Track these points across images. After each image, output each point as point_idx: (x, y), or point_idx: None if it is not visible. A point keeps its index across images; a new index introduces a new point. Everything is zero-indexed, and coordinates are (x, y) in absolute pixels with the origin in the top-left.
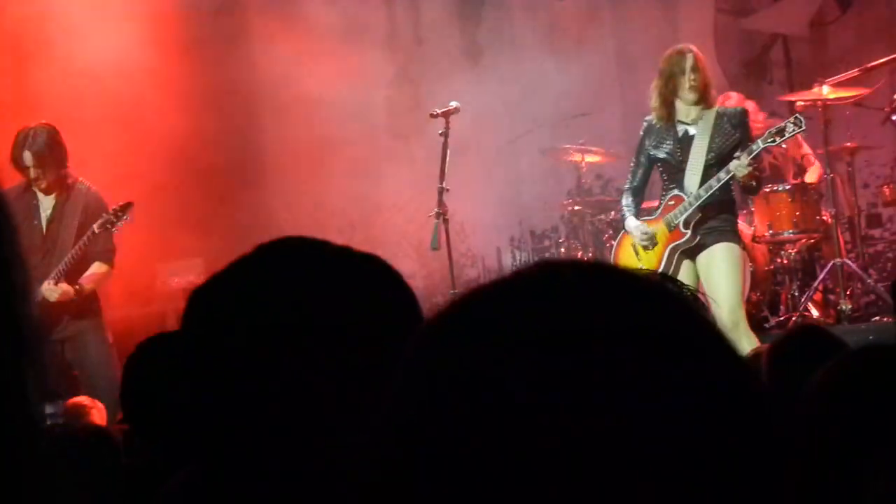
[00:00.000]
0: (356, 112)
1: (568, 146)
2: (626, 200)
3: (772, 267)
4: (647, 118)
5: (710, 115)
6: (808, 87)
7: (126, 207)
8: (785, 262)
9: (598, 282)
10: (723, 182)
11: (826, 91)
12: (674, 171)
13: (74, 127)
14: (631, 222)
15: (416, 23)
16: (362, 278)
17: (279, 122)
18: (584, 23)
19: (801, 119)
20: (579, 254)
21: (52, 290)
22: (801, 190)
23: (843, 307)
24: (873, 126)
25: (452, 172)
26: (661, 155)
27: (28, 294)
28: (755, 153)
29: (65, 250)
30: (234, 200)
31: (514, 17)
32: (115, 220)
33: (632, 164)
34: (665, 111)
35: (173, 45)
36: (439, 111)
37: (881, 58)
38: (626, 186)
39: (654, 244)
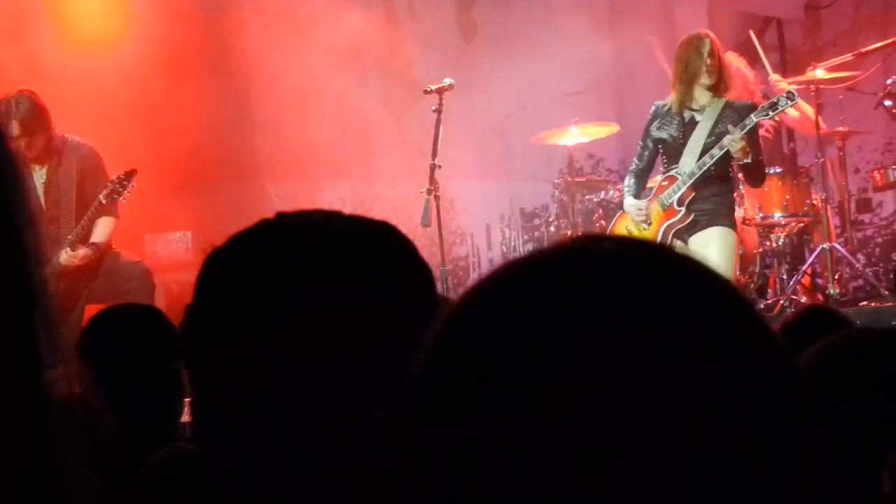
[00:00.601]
0: (348, 86)
1: (556, 129)
2: (629, 181)
3: (761, 250)
4: (658, 102)
5: (719, 105)
6: (802, 70)
7: (130, 175)
8: (774, 245)
9: (640, 260)
10: (716, 158)
11: (819, 75)
12: (673, 153)
13: (60, 100)
14: (628, 201)
15: None
16: (378, 245)
17: (270, 96)
18: (578, 2)
19: (794, 93)
20: (569, 233)
21: (72, 255)
22: (792, 173)
23: (832, 291)
24: (866, 111)
25: (444, 149)
26: (663, 135)
27: (40, 258)
28: (748, 127)
29: (69, 213)
30: (222, 173)
31: None
32: (120, 188)
33: (638, 147)
34: (683, 97)
35: (161, 11)
36: (433, 87)
37: (874, 42)
38: (631, 168)
39: (649, 223)
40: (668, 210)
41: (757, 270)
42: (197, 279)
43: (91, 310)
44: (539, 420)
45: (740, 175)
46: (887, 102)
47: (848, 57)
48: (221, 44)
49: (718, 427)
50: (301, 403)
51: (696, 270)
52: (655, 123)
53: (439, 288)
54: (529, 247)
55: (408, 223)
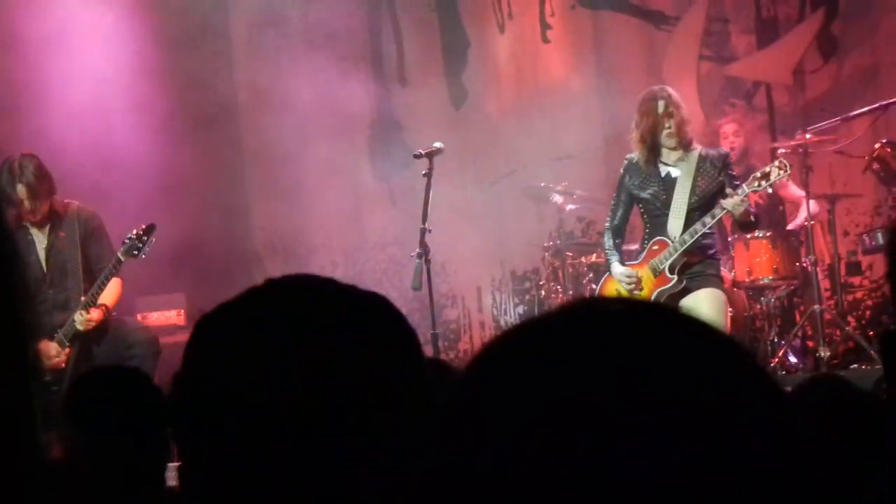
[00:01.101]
0: (339, 151)
1: (550, 185)
2: (609, 242)
3: (751, 313)
4: (629, 156)
5: (693, 157)
6: (790, 134)
7: (150, 230)
8: (764, 307)
9: (649, 322)
10: (708, 226)
11: (808, 138)
12: (656, 214)
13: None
14: (616, 268)
15: (400, 63)
16: (368, 317)
17: (260, 159)
18: (569, 67)
19: (787, 163)
20: (559, 297)
21: (88, 318)
22: (782, 236)
23: (822, 354)
24: (854, 174)
25: (435, 212)
26: (645, 195)
27: (35, 329)
28: (745, 193)
29: (77, 277)
30: (215, 237)
31: (499, 59)
32: (139, 244)
33: (612, 202)
34: (648, 152)
35: (154, 74)
36: (423, 151)
37: (862, 106)
38: (607, 225)
39: (640, 289)
40: (660, 276)
41: (747, 333)
42: (186, 346)
43: None
44: (556, 479)
45: (730, 239)
46: (875, 166)
47: (836, 121)
48: (213, 109)
49: (737, 485)
50: (289, 473)
51: (708, 331)
52: (630, 179)
53: (429, 351)
54: (520, 310)
55: (398, 286)
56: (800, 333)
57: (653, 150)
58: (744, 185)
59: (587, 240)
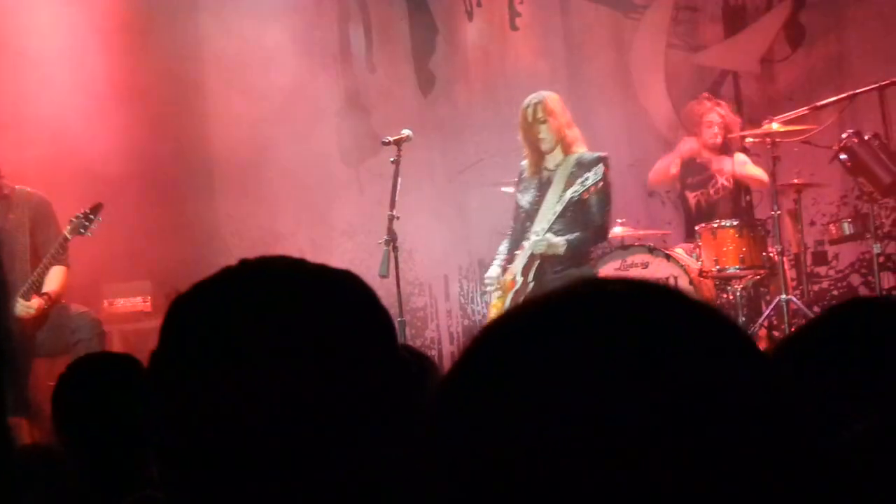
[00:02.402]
0: (306, 137)
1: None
2: (501, 247)
3: (718, 302)
4: (522, 163)
5: (569, 162)
6: (758, 123)
7: (97, 209)
8: (731, 297)
9: (647, 301)
10: (528, 250)
11: (775, 128)
12: (530, 219)
13: (12, 146)
14: (490, 270)
15: (368, 49)
16: (341, 294)
17: (227, 145)
18: (536, 55)
19: (599, 169)
20: None
21: (27, 306)
22: (749, 226)
23: None
24: (821, 164)
25: (402, 200)
26: (523, 203)
27: (8, 310)
28: (558, 213)
29: (24, 262)
30: (181, 223)
31: (468, 47)
32: (86, 223)
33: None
34: (533, 160)
35: (119, 54)
36: (391, 139)
37: (830, 96)
38: (508, 233)
39: (500, 294)
40: (511, 280)
41: None
42: (161, 326)
43: (38, 363)
44: (560, 463)
45: (697, 228)
46: (842, 156)
47: (803, 110)
48: (178, 92)
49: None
50: (265, 451)
51: (702, 309)
52: (519, 187)
53: (398, 338)
54: (487, 298)
55: (366, 274)
56: (766, 323)
57: (535, 157)
58: (567, 193)
59: None
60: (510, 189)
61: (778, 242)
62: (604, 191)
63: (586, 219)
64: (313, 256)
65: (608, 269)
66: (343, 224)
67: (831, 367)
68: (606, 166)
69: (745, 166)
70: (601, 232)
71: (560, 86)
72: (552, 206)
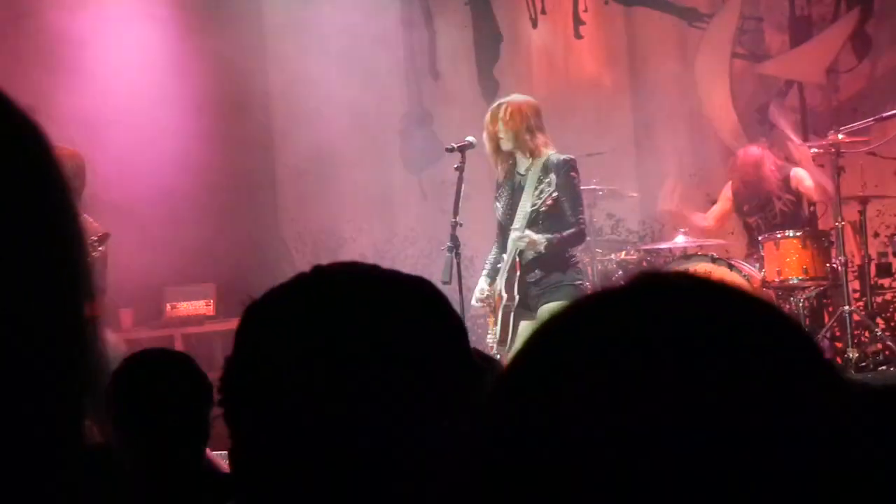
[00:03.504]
0: (370, 144)
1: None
2: (490, 255)
3: None
4: (458, 171)
5: (538, 165)
6: (823, 134)
7: (103, 239)
8: (793, 308)
9: (713, 297)
10: (512, 254)
11: (840, 139)
12: (504, 230)
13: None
14: (480, 283)
15: (432, 56)
16: (414, 300)
17: (290, 151)
18: (600, 64)
19: (552, 180)
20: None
21: None
22: (812, 236)
23: (850, 356)
24: (886, 175)
25: (465, 207)
26: (499, 210)
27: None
28: (527, 217)
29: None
30: (244, 228)
31: (532, 53)
32: (90, 251)
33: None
34: (502, 163)
35: (185, 65)
36: (455, 145)
37: (895, 107)
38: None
39: (490, 307)
40: (499, 296)
41: None
42: (236, 331)
43: None
44: (624, 449)
45: (760, 238)
46: None
47: (869, 121)
48: (244, 98)
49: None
50: (340, 457)
51: (764, 310)
52: (496, 193)
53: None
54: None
55: (428, 279)
56: (828, 334)
57: (502, 159)
58: (527, 205)
59: (616, 236)
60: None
61: (842, 253)
62: (573, 192)
63: (561, 223)
64: (375, 261)
65: None
66: (405, 230)
67: None
68: (573, 168)
69: (802, 182)
70: (579, 233)
71: (623, 94)
72: (525, 211)
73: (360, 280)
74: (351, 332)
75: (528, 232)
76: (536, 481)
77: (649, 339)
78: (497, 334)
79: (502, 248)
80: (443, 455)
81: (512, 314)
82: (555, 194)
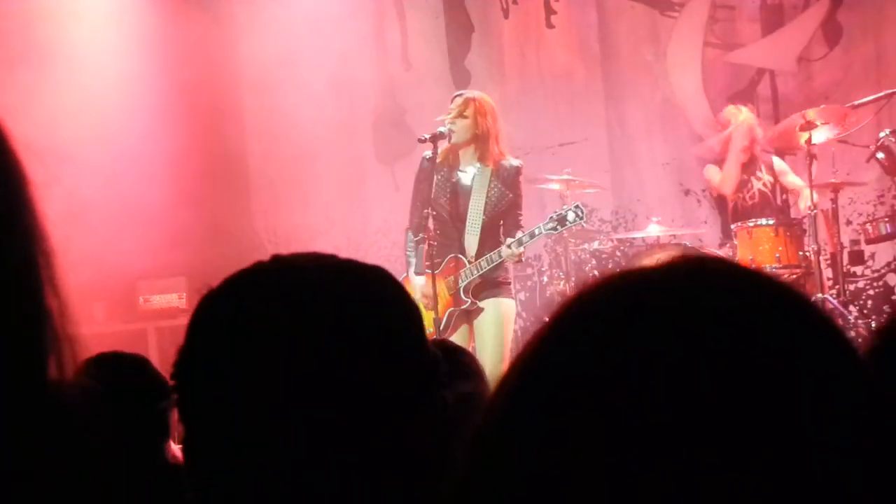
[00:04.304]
0: (342, 135)
1: (552, 177)
2: (409, 245)
3: None
4: (427, 153)
5: (487, 171)
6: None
7: None
8: None
9: (747, 282)
10: (494, 264)
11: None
12: (449, 226)
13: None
14: (415, 277)
15: (404, 47)
16: (370, 289)
17: (262, 142)
18: (573, 52)
19: (583, 210)
20: (561, 283)
21: None
22: (785, 224)
23: None
24: (858, 163)
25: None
26: (439, 199)
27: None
28: (526, 243)
29: None
30: (216, 221)
31: (504, 43)
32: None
33: (411, 203)
34: (447, 153)
35: (157, 57)
36: (427, 136)
37: (867, 95)
38: (408, 226)
39: (433, 307)
40: (454, 295)
41: None
42: (190, 320)
43: None
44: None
45: (733, 227)
46: (879, 155)
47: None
48: (214, 89)
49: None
50: (294, 445)
51: (803, 303)
52: (426, 180)
53: (435, 333)
54: (521, 296)
55: (402, 271)
56: None
57: (452, 153)
58: (540, 225)
59: (590, 227)
60: (544, 186)
61: (814, 241)
62: (515, 202)
63: (512, 227)
64: (348, 254)
65: None
66: (378, 221)
67: None
68: (520, 173)
69: (786, 177)
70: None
71: (596, 84)
72: (478, 219)
73: (317, 270)
74: (306, 322)
75: (521, 249)
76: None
77: (690, 325)
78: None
79: (446, 246)
80: (394, 445)
81: (455, 317)
82: (509, 203)
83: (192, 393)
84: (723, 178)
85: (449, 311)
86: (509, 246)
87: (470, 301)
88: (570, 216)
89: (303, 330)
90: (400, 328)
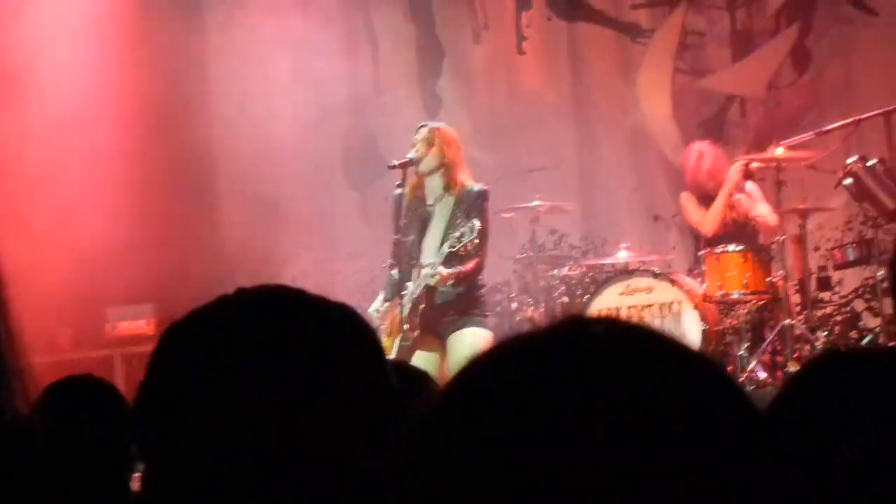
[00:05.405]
0: (312, 160)
1: (523, 205)
2: (389, 276)
3: (721, 327)
4: (398, 189)
5: (451, 199)
6: (764, 148)
7: None
8: (734, 322)
9: (631, 346)
10: (419, 291)
11: (780, 153)
12: (414, 255)
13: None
14: (376, 302)
15: (375, 73)
16: (335, 329)
17: (232, 167)
18: (543, 77)
19: (476, 226)
20: (530, 310)
21: None
22: (753, 251)
23: (791, 369)
24: (826, 189)
25: None
26: (408, 231)
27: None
28: (444, 255)
29: None
30: (185, 247)
31: (475, 70)
32: None
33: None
34: (415, 187)
35: (124, 84)
36: (397, 162)
37: (836, 121)
38: (390, 262)
39: (389, 332)
40: (399, 326)
41: (717, 348)
42: (152, 353)
43: None
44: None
45: (701, 253)
46: (847, 181)
47: (809, 135)
48: (181, 111)
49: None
50: (254, 479)
51: (684, 354)
52: (400, 214)
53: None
54: (491, 322)
55: (371, 297)
56: (769, 348)
57: (419, 183)
58: (445, 245)
59: (559, 252)
60: (510, 214)
61: (782, 267)
62: (482, 229)
63: (464, 258)
64: (317, 279)
65: (611, 294)
66: (348, 247)
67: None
68: (486, 199)
69: (755, 205)
70: (480, 263)
71: (566, 109)
72: (436, 246)
73: (281, 305)
74: (267, 357)
75: (440, 269)
76: None
77: (567, 394)
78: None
79: (406, 274)
80: (358, 482)
81: (409, 346)
82: (476, 241)
83: (150, 426)
84: (708, 219)
85: (396, 339)
86: (429, 265)
87: (408, 327)
88: (466, 233)
89: (263, 367)
90: (362, 367)
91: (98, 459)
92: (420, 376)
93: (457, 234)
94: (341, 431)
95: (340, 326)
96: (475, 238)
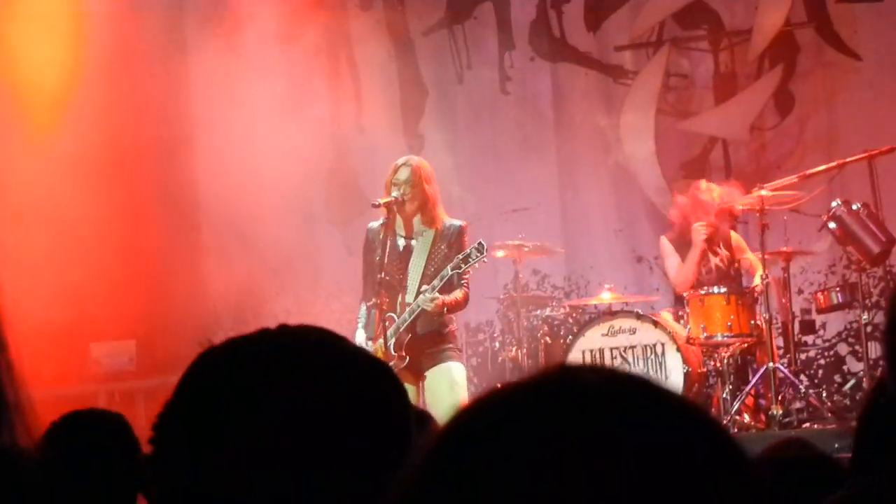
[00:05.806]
0: (295, 197)
1: (507, 242)
2: (361, 314)
3: (704, 369)
4: (371, 224)
5: (430, 234)
6: (747, 191)
7: None
8: (717, 364)
9: (621, 395)
10: (415, 314)
11: (764, 195)
12: (395, 291)
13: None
14: (358, 333)
15: (358, 111)
16: (368, 383)
17: (215, 205)
18: (526, 118)
19: (484, 245)
20: (513, 350)
21: None
22: (737, 293)
23: (775, 412)
24: (810, 233)
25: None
26: (390, 268)
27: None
28: (437, 287)
29: None
30: (167, 284)
31: (458, 109)
32: None
33: (363, 276)
34: (391, 222)
35: (106, 111)
36: (381, 201)
37: (819, 164)
38: (362, 297)
39: None
40: (386, 355)
41: (701, 390)
42: (185, 373)
43: None
44: None
45: (685, 295)
46: (831, 225)
47: (793, 178)
48: (167, 148)
49: None
50: None
51: (676, 403)
52: (371, 250)
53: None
54: (474, 361)
55: (353, 335)
56: (753, 391)
57: (392, 218)
58: (448, 267)
59: (542, 292)
60: (501, 253)
61: (766, 310)
62: (486, 248)
63: (451, 288)
64: (299, 318)
65: (594, 335)
66: (330, 285)
67: None
68: (465, 233)
69: (744, 254)
70: (466, 295)
71: (549, 150)
72: (416, 280)
73: (319, 347)
74: (300, 396)
75: (437, 294)
76: None
77: (557, 442)
78: None
79: (389, 308)
80: None
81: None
82: (476, 266)
83: (172, 448)
84: (681, 277)
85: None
86: (423, 293)
87: (396, 357)
88: (474, 254)
89: (295, 406)
90: (389, 419)
91: (102, 492)
92: (421, 417)
93: (437, 258)
94: (363, 478)
95: (376, 378)
96: (484, 258)
